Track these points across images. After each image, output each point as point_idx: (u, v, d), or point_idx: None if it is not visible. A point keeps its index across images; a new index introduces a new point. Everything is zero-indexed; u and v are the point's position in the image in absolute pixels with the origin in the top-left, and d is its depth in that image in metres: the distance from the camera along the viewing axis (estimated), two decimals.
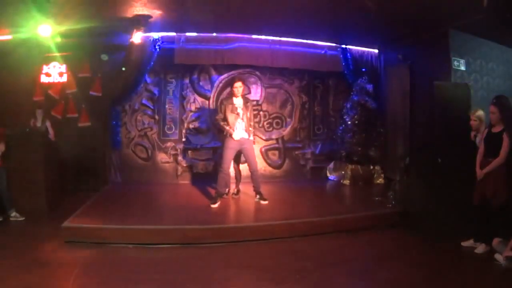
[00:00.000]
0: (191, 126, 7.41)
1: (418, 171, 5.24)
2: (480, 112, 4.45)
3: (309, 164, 7.96)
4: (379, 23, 5.91)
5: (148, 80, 7.26)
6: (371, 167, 7.29)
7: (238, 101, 5.38)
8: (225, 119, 5.33)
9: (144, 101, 7.29)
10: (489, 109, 4.08)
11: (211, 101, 7.48)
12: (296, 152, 7.92)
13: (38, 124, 6.02)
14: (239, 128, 5.33)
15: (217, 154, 7.20)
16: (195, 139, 7.42)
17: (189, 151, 7.41)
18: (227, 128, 5.28)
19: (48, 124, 6.14)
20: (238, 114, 5.32)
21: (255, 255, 4.00)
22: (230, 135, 5.28)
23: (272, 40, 7.27)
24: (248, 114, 5.42)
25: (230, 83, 5.41)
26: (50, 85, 6.92)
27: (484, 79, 6.18)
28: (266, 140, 7.76)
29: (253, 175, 5.51)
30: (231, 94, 5.48)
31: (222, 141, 5.70)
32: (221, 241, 4.27)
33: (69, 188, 6.42)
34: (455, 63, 5.87)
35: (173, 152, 7.33)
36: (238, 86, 5.33)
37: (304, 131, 7.96)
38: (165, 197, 6.18)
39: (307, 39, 7.41)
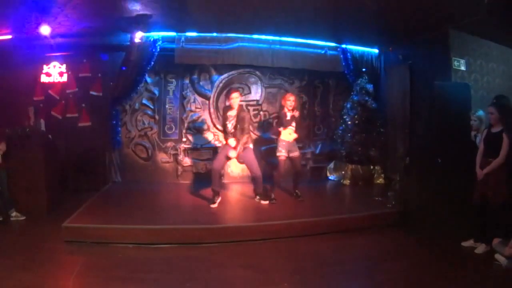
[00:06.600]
0: (191, 126, 7.43)
1: (418, 171, 5.23)
2: (480, 112, 4.46)
3: (309, 164, 7.95)
4: (379, 23, 5.91)
5: (148, 80, 7.25)
6: (371, 167, 7.28)
7: (232, 112, 5.39)
8: (224, 126, 5.47)
9: (144, 101, 7.30)
10: (488, 109, 4.09)
11: (211, 101, 7.49)
12: None
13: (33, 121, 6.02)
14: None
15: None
16: (195, 139, 7.43)
17: (189, 151, 7.42)
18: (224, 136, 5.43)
19: (42, 121, 6.12)
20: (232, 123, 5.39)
21: (255, 255, 4.00)
22: (227, 143, 5.40)
23: (272, 40, 7.26)
24: (245, 124, 5.36)
25: (226, 94, 5.53)
26: (50, 84, 6.93)
27: (484, 79, 6.17)
28: (266, 140, 7.76)
29: (255, 181, 5.57)
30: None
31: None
32: (221, 241, 4.27)
33: (69, 188, 6.43)
34: (455, 63, 5.86)
35: (173, 152, 7.35)
36: (235, 97, 5.34)
37: (304, 131, 7.95)
38: (165, 197, 6.19)
39: (307, 39, 7.40)
